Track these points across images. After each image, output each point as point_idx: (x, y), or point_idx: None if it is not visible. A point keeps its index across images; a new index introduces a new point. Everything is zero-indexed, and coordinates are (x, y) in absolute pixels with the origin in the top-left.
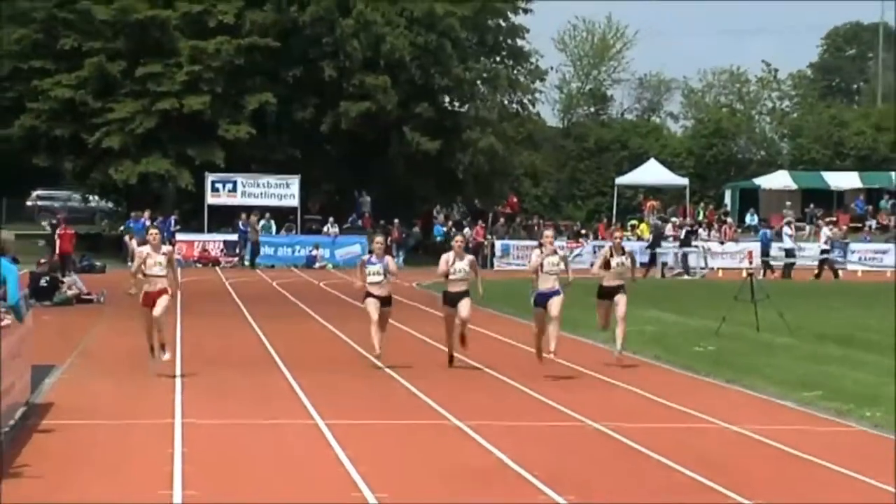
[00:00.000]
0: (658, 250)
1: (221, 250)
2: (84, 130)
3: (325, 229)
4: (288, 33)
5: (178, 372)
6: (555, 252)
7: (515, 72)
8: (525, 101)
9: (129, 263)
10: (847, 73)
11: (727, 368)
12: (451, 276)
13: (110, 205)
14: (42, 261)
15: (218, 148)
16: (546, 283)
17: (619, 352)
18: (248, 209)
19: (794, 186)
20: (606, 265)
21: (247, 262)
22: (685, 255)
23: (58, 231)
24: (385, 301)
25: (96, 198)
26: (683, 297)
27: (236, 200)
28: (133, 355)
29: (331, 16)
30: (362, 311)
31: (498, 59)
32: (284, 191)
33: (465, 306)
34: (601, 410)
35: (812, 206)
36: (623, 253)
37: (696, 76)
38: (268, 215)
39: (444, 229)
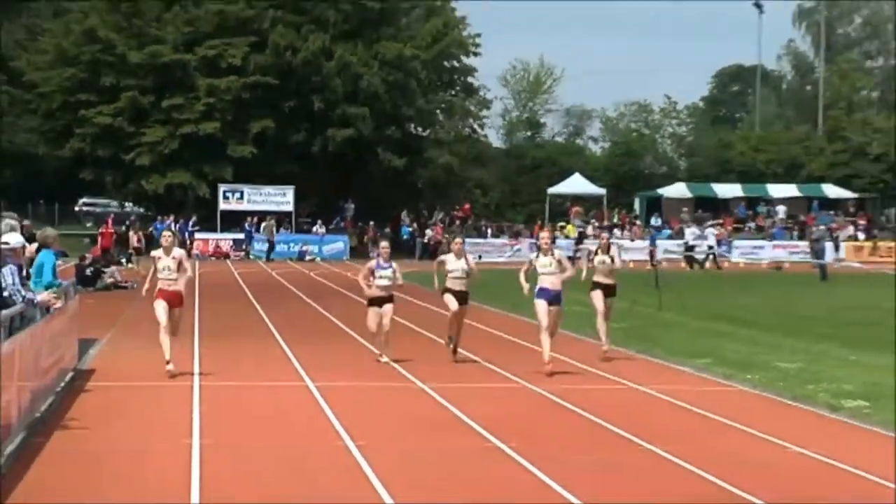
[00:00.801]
0: (581, 247)
1: (231, 246)
2: (121, 151)
3: (314, 229)
4: (284, 73)
5: (195, 344)
6: (550, 253)
7: (467, 103)
8: (475, 126)
9: (129, 252)
10: (731, 105)
11: (636, 341)
12: (451, 275)
13: (142, 210)
14: (86, 255)
15: (228, 164)
16: (545, 282)
17: (607, 347)
18: (255, 213)
19: (689, 195)
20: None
21: (252, 256)
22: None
23: (100, 230)
24: (386, 300)
25: (130, 204)
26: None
27: (243, 206)
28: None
29: (317, 59)
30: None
31: (453, 92)
32: (281, 199)
33: (462, 309)
34: (536, 376)
35: (701, 210)
36: (608, 252)
37: (612, 107)
38: (268, 218)
39: (410, 230)
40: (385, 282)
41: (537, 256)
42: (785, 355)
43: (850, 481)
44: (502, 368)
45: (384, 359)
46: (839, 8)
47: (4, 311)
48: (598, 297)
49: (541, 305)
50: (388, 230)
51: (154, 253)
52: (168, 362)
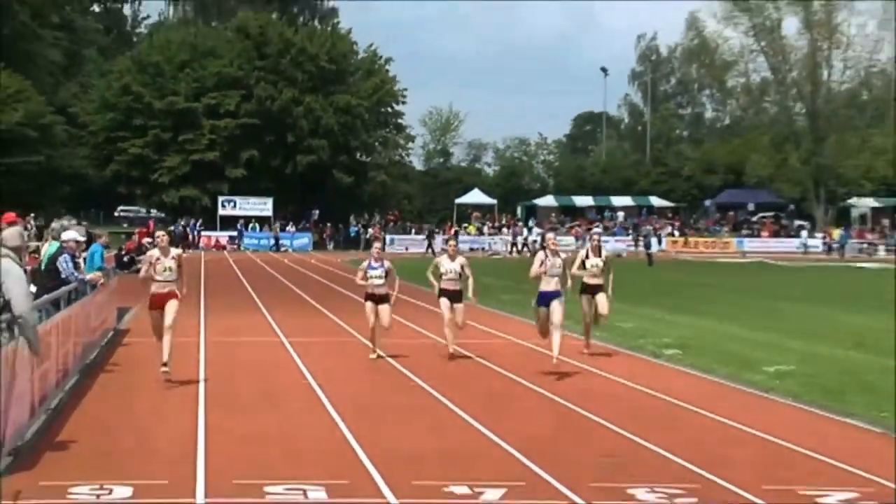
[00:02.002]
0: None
1: (227, 241)
2: (148, 172)
3: (287, 228)
4: (265, 116)
5: (202, 313)
6: (557, 254)
7: (397, 137)
8: (403, 154)
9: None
10: (585, 140)
11: (523, 309)
12: (445, 276)
13: (162, 214)
14: (122, 247)
15: (225, 182)
16: (548, 285)
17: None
18: (244, 218)
19: (555, 204)
20: (582, 265)
21: (242, 248)
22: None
23: (139, 229)
24: (383, 299)
25: (154, 210)
26: (498, 268)
27: (236, 212)
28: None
29: (289, 106)
30: (313, 280)
31: (387, 130)
32: (263, 207)
33: (458, 309)
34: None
35: (563, 216)
36: (599, 255)
37: (501, 140)
38: (254, 221)
39: (357, 229)
40: (378, 281)
41: (549, 259)
42: (622, 318)
43: (668, 406)
44: (425, 328)
45: (374, 355)
46: (660, 71)
47: (63, 287)
48: (586, 299)
49: (544, 313)
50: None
51: (151, 253)
52: (165, 364)
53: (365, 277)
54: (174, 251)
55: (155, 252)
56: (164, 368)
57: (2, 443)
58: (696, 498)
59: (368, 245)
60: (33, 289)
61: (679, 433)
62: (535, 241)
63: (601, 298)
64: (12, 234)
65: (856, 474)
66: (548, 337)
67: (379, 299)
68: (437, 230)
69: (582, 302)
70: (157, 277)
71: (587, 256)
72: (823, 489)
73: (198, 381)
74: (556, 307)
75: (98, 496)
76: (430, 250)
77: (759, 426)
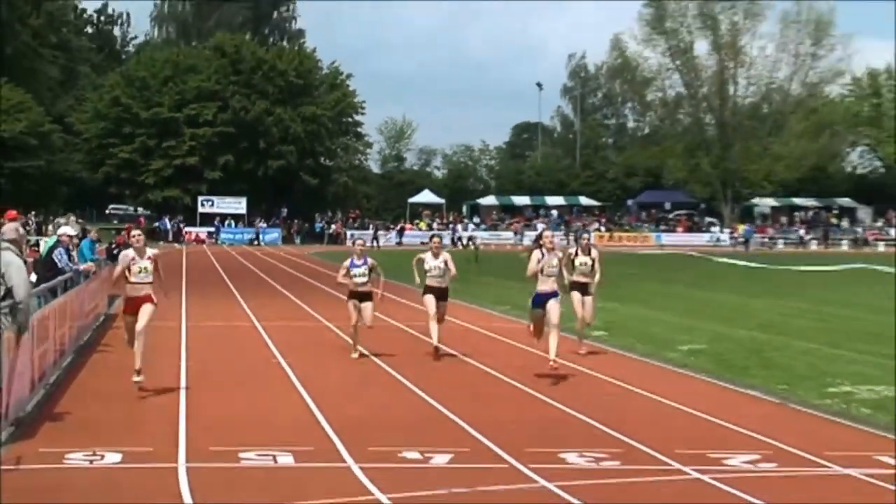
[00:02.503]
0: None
1: (206, 236)
2: (135, 175)
3: (259, 224)
4: (239, 125)
5: (183, 300)
6: (554, 252)
7: (357, 144)
8: (362, 159)
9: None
10: (523, 146)
11: (465, 296)
12: (429, 273)
13: (148, 212)
14: (112, 241)
15: (204, 183)
16: (545, 285)
17: (583, 339)
18: (221, 216)
19: (497, 203)
20: (571, 264)
21: (219, 242)
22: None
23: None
24: (366, 297)
25: (141, 209)
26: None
27: (214, 210)
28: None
29: (261, 116)
30: (283, 270)
31: (348, 137)
32: (238, 206)
33: (441, 305)
34: (403, 316)
35: (503, 213)
36: (588, 253)
37: (450, 148)
38: (230, 219)
39: (321, 225)
40: (362, 279)
41: (546, 258)
42: None
43: (595, 381)
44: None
45: (355, 354)
46: (588, 87)
47: (60, 277)
48: (577, 297)
49: (539, 314)
50: (306, 225)
51: (126, 253)
52: (138, 372)
53: (348, 275)
54: (150, 251)
55: (130, 252)
56: (136, 378)
57: (5, 414)
58: (619, 461)
59: (332, 239)
60: (33, 278)
61: (604, 405)
62: (471, 239)
63: (588, 304)
64: (10, 228)
65: (757, 439)
66: (542, 338)
67: (362, 297)
68: (381, 229)
69: (573, 301)
70: (132, 279)
71: (576, 255)
72: (729, 452)
73: (179, 361)
74: (554, 307)
75: (91, 461)
76: (374, 243)
77: (674, 398)
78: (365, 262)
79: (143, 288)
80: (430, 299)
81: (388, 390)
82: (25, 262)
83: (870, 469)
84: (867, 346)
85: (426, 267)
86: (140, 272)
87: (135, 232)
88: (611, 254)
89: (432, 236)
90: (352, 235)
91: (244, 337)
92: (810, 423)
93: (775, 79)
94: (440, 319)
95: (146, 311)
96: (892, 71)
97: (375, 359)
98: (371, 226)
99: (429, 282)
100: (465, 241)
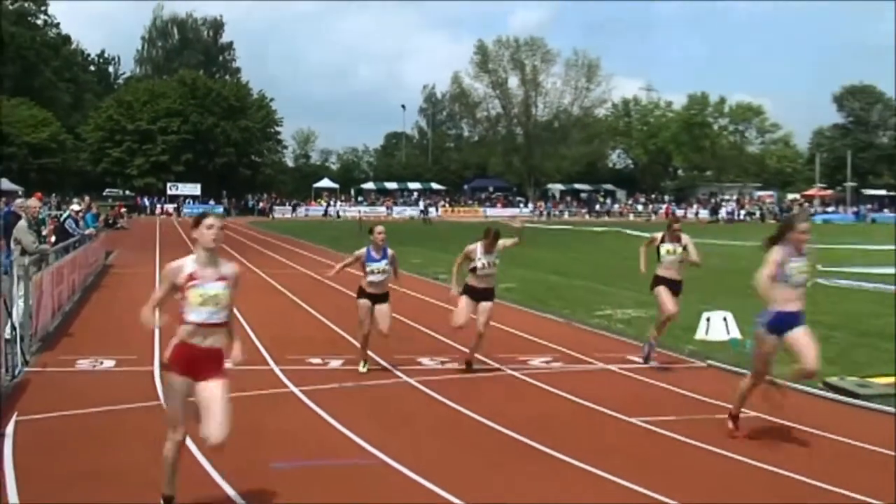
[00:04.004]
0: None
1: (172, 210)
2: (124, 168)
3: (210, 203)
4: (196, 133)
5: (157, 252)
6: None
7: (277, 147)
8: (280, 157)
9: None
10: (393, 148)
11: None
12: (479, 271)
13: (133, 194)
14: (108, 214)
15: (172, 174)
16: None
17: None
18: (183, 196)
19: (374, 188)
20: (657, 252)
21: (182, 216)
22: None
23: (117, 203)
24: (382, 298)
25: (128, 191)
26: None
27: (178, 192)
28: (143, 249)
29: (211, 128)
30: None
31: (270, 142)
32: (195, 189)
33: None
34: (308, 262)
35: (379, 194)
36: (678, 241)
37: (342, 149)
38: (189, 199)
39: (253, 203)
40: (378, 277)
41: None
42: (411, 255)
43: (435, 307)
44: (291, 261)
45: (364, 368)
46: (437, 107)
47: (71, 239)
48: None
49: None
50: (265, 205)
51: (179, 263)
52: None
53: (363, 271)
54: (226, 266)
55: (186, 262)
56: None
57: (34, 334)
58: (457, 363)
59: (260, 213)
60: (53, 238)
61: (447, 325)
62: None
63: (486, 304)
64: (20, 202)
65: (550, 346)
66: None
67: (377, 298)
68: (305, 203)
69: (661, 298)
70: (191, 317)
71: (662, 241)
72: (532, 356)
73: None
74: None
75: (94, 366)
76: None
77: (495, 319)
78: (385, 256)
79: (210, 335)
80: (464, 304)
81: (301, 317)
82: (30, 225)
83: (624, 365)
84: (623, 283)
85: (476, 263)
86: (206, 302)
87: (210, 221)
88: (452, 223)
89: (487, 229)
90: (274, 209)
91: None
92: (585, 335)
93: (562, 104)
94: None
95: (218, 388)
96: (637, 99)
97: (292, 295)
98: (266, 204)
99: (472, 281)
100: (350, 215)
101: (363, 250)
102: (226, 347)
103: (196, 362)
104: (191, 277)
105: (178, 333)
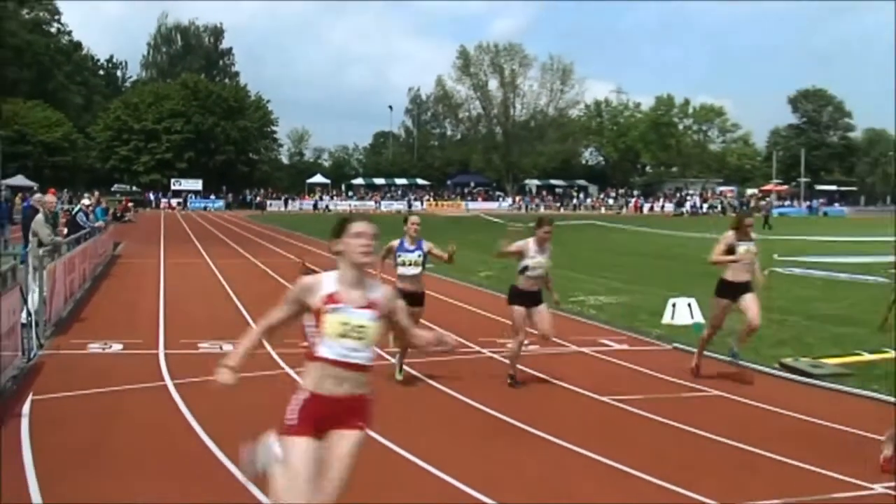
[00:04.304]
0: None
1: (177, 205)
2: (131, 165)
3: (211, 197)
4: (198, 133)
5: (161, 246)
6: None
7: (274, 144)
8: (276, 155)
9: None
10: (381, 146)
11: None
12: (530, 272)
13: (140, 190)
14: (116, 209)
15: (175, 171)
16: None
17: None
18: (186, 191)
19: (364, 183)
20: (730, 251)
21: (185, 210)
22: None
23: (124, 198)
24: (416, 299)
25: (135, 187)
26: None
27: (181, 188)
28: (149, 241)
29: (212, 127)
30: (228, 229)
31: (267, 140)
32: (197, 185)
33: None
34: (286, 273)
35: (369, 189)
36: (749, 239)
37: (333, 147)
38: (192, 195)
39: (250, 198)
40: (412, 270)
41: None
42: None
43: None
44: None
45: (399, 375)
46: (422, 108)
47: (82, 231)
48: (745, 301)
49: (518, 312)
50: (249, 199)
51: (311, 280)
52: None
53: (389, 260)
54: (376, 289)
55: (323, 281)
56: None
57: (49, 318)
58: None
59: (257, 206)
60: (65, 231)
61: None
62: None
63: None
64: (38, 197)
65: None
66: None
67: (410, 298)
68: (299, 198)
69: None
70: (328, 352)
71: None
72: (509, 339)
73: (160, 284)
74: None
75: (103, 349)
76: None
77: (478, 305)
78: (419, 248)
79: (347, 380)
80: (519, 312)
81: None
82: (47, 219)
83: (596, 347)
84: (595, 271)
85: (528, 263)
86: (347, 334)
87: (359, 225)
88: (435, 216)
89: (541, 219)
90: (270, 204)
91: (200, 270)
92: (560, 320)
93: (538, 105)
94: (548, 337)
95: (347, 452)
96: (608, 101)
97: (224, 282)
98: (258, 198)
99: (525, 284)
100: (340, 209)
101: (395, 242)
102: (371, 391)
103: (328, 420)
104: (330, 299)
105: (304, 381)
